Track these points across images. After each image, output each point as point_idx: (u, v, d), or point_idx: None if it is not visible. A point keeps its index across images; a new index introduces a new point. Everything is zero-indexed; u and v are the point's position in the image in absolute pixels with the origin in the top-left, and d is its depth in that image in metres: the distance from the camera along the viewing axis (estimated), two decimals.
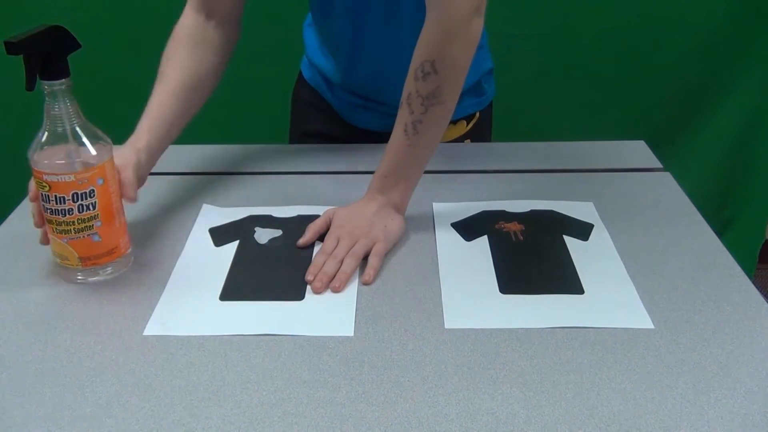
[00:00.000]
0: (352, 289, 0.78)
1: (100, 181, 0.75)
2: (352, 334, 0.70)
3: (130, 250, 0.82)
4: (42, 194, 0.74)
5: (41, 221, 0.78)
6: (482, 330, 0.71)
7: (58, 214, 0.74)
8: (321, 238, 0.86)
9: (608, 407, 0.61)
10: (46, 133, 0.73)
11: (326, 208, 0.89)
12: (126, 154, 0.82)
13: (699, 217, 0.91)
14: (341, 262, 0.80)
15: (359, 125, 1.15)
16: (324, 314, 0.74)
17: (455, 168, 1.03)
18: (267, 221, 0.91)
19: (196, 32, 0.92)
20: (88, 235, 0.76)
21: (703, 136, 1.73)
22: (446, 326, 0.71)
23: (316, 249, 0.84)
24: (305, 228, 0.87)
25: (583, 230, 0.88)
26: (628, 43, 1.62)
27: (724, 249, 0.84)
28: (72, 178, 0.73)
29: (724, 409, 0.61)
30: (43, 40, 0.70)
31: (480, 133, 1.16)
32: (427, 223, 0.90)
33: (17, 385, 0.65)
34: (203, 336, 0.70)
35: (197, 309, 0.75)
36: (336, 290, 0.77)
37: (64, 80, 0.71)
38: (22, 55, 0.69)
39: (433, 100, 0.80)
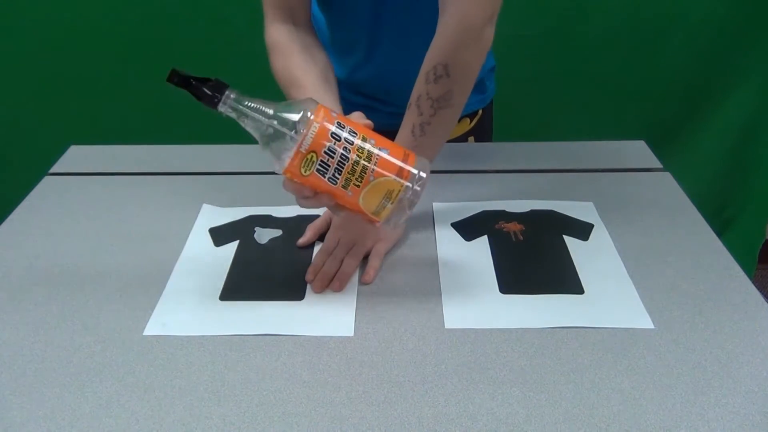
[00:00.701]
0: (352, 289, 0.78)
1: (334, 114, 0.68)
2: (352, 334, 0.70)
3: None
4: (320, 166, 0.66)
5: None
6: (482, 330, 0.71)
7: (344, 163, 0.66)
8: (321, 237, 0.86)
9: (608, 407, 0.61)
10: (264, 140, 0.68)
11: (325, 208, 0.89)
12: None
13: (699, 217, 0.91)
14: (341, 261, 0.80)
15: None
16: (324, 314, 0.74)
17: (455, 168, 1.03)
18: (267, 221, 0.91)
19: (296, 39, 0.91)
20: (380, 154, 0.66)
21: (703, 136, 1.73)
22: (446, 326, 0.71)
23: (316, 249, 0.84)
24: (305, 228, 0.87)
25: (583, 230, 0.88)
26: (629, 43, 1.62)
27: (724, 249, 0.84)
28: (316, 126, 0.65)
29: (724, 409, 0.61)
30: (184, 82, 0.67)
31: (482, 131, 1.16)
32: (427, 223, 0.90)
33: (17, 385, 0.65)
34: (203, 336, 0.70)
35: (197, 309, 0.75)
36: (336, 290, 0.77)
37: (227, 93, 0.66)
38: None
39: (443, 103, 0.80)
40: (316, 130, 0.65)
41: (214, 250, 0.85)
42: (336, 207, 0.70)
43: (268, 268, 0.82)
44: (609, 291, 0.77)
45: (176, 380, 0.65)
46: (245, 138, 1.13)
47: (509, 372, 0.65)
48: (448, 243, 0.86)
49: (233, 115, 0.67)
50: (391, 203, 0.68)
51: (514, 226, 0.89)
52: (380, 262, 0.81)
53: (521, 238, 0.87)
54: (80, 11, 1.56)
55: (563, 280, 0.79)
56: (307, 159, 0.66)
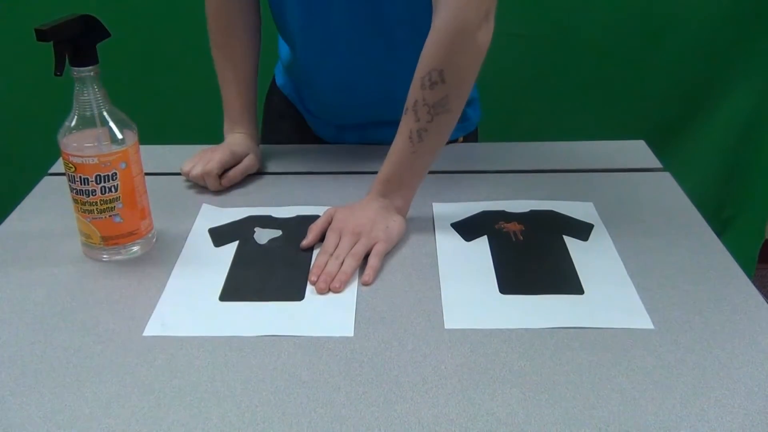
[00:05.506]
0: (352, 289, 0.78)
1: (123, 165, 0.78)
2: (352, 335, 0.70)
3: (152, 232, 0.86)
4: (68, 174, 0.78)
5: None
6: (482, 330, 0.71)
7: (82, 195, 0.78)
8: (323, 238, 0.85)
9: (608, 408, 0.61)
10: (75, 118, 0.77)
11: (326, 208, 0.89)
12: (249, 145, 1.04)
13: (699, 217, 0.91)
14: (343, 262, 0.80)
15: (333, 142, 1.14)
16: (324, 315, 0.74)
17: (455, 168, 1.03)
18: (267, 221, 0.91)
19: (229, 17, 1.00)
20: (110, 216, 0.79)
21: (703, 136, 1.73)
22: (446, 326, 0.71)
23: (317, 250, 0.84)
24: (305, 228, 0.87)
25: (583, 230, 0.88)
26: (628, 43, 1.62)
27: (724, 249, 0.84)
28: (96, 160, 0.76)
29: (724, 409, 0.61)
30: (72, 28, 0.73)
31: None
32: (427, 223, 0.90)
33: (17, 385, 0.65)
34: (204, 336, 0.70)
35: (197, 309, 0.75)
36: (336, 290, 0.77)
37: (92, 67, 0.74)
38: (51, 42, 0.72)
39: (440, 108, 0.79)
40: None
41: (214, 251, 0.85)
42: None
43: (268, 269, 0.82)
44: (609, 291, 0.77)
45: (175, 380, 0.65)
46: None
47: (509, 372, 0.65)
48: (448, 243, 0.86)
49: (78, 83, 0.75)
50: (90, 243, 0.82)
51: (514, 227, 0.89)
52: (380, 262, 0.81)
53: (521, 238, 0.87)
54: (80, 11, 1.56)
55: (563, 280, 0.79)
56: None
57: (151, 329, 0.72)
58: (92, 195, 0.78)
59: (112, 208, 0.79)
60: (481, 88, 1.14)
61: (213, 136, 1.08)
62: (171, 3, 1.58)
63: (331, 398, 0.63)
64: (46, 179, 1.03)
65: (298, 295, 0.77)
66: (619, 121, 1.65)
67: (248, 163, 1.01)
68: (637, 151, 1.10)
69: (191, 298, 0.76)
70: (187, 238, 0.87)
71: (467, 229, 0.89)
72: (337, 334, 0.70)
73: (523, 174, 1.03)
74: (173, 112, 1.66)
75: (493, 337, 0.70)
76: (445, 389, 0.63)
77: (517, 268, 0.81)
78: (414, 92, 0.80)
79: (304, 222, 0.89)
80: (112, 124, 0.77)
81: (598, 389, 0.63)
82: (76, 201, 0.79)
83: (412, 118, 0.80)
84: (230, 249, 0.85)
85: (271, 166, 1.07)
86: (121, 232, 0.81)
